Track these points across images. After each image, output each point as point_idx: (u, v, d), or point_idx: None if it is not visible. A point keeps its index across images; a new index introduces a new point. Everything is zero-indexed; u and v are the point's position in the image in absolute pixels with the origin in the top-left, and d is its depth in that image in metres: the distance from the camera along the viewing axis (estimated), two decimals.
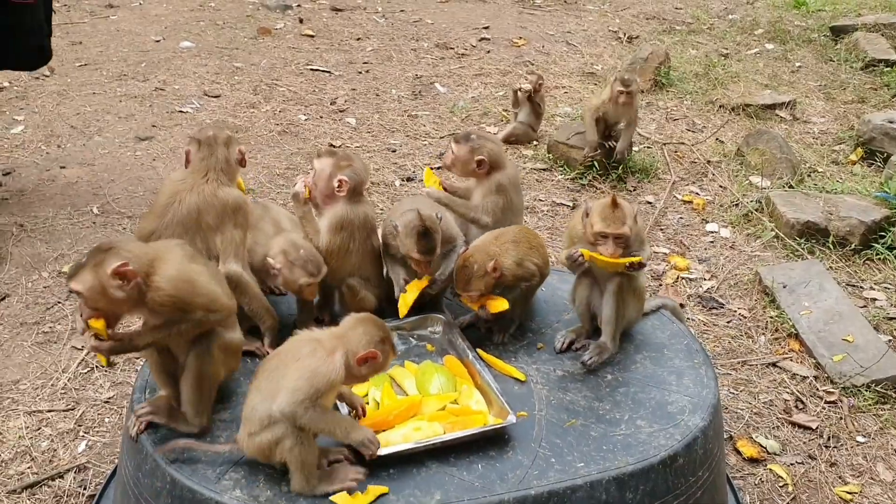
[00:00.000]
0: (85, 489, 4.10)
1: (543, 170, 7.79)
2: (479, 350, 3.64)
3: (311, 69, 9.47)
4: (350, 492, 2.85)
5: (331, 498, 2.85)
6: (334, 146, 7.71)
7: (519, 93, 8.13)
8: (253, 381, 2.90)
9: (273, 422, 2.77)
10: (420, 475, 3.04)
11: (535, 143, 8.28)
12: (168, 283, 2.89)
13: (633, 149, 7.64)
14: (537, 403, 3.44)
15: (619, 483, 3.10)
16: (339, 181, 3.65)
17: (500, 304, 3.63)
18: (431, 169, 4.34)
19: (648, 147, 8.19)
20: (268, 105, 8.58)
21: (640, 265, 3.55)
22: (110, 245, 2.87)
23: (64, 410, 4.52)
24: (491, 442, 3.17)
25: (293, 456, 2.81)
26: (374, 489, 2.89)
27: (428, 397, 3.31)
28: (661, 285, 6.09)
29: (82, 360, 4.82)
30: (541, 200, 7.18)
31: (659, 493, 3.16)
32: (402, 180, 7.32)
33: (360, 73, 9.57)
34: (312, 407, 2.77)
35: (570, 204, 7.13)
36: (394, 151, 7.97)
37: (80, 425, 4.44)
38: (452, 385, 3.38)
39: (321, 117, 8.56)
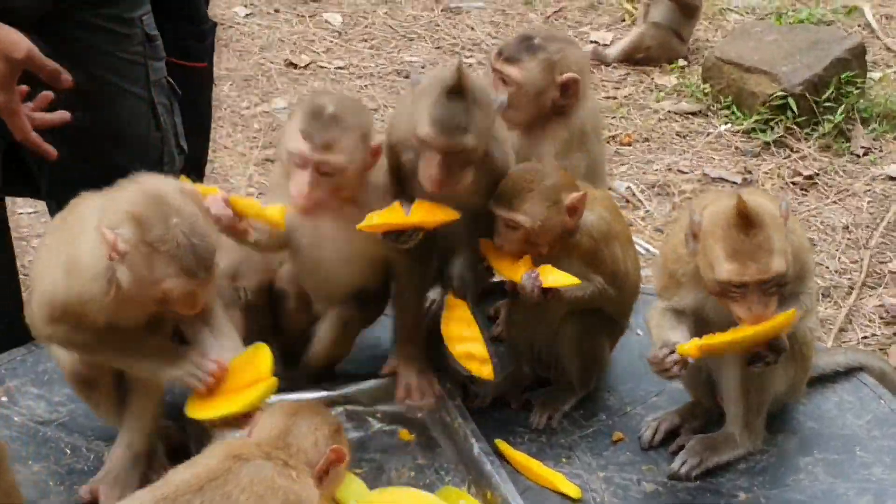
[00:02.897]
0: None
1: (692, 114, 6.79)
2: (499, 442, 3.10)
3: None
4: None
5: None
6: (297, 65, 6.88)
7: None
8: None
9: None
10: None
11: (679, 62, 7.15)
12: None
13: (874, 74, 6.77)
14: None
15: None
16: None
17: (562, 277, 3.07)
18: None
19: None
20: None
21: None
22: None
23: None
24: None
25: None
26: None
27: None
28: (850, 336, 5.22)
29: None
30: (682, 172, 6.16)
31: None
32: None
33: None
34: None
35: (738, 179, 6.19)
36: (408, 77, 6.71)
37: None
38: None
39: (276, 11, 7.38)
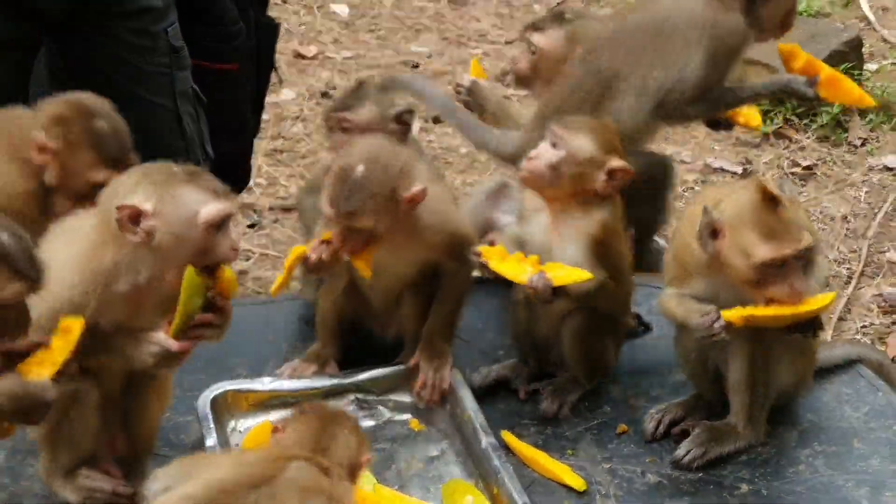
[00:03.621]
0: None
1: None
2: (506, 433, 3.13)
3: None
4: None
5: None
6: (304, 56, 6.87)
7: None
8: None
9: None
10: None
11: None
12: None
13: (870, 65, 6.80)
14: None
15: None
16: None
17: (570, 273, 3.04)
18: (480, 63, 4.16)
19: None
20: None
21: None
22: None
23: None
24: None
25: None
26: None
27: None
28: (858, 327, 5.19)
29: None
30: (684, 162, 6.18)
31: None
32: (426, 120, 6.42)
33: None
34: None
35: (739, 169, 6.23)
36: (416, 68, 6.84)
37: None
38: None
39: (284, 2, 7.42)
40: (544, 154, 3.17)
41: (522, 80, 3.86)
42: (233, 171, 4.74)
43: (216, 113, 4.42)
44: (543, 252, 3.15)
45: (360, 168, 2.99)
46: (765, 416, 3.19)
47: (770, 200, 2.83)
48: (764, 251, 2.82)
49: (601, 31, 3.77)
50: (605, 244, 3.15)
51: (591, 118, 3.28)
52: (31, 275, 2.55)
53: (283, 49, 6.70)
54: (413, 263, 3.22)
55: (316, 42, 7.08)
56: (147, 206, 2.59)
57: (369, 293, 3.31)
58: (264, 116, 6.16)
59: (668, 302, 3.08)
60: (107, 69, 3.80)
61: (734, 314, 2.87)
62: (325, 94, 6.13)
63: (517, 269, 3.09)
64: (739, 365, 3.11)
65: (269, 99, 6.44)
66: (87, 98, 3.28)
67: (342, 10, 7.44)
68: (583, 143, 3.08)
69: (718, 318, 2.88)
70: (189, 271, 2.70)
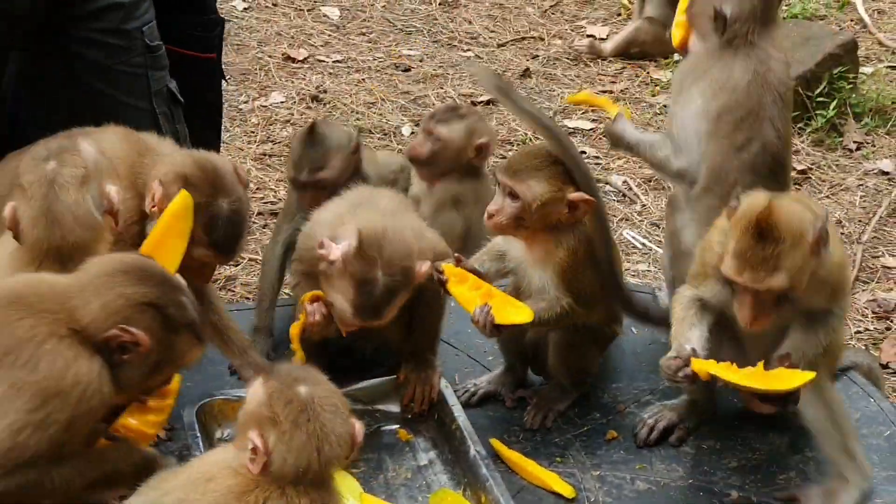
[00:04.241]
0: None
1: None
2: (494, 441, 3.13)
3: None
4: None
5: None
6: (294, 59, 6.84)
7: None
8: None
9: None
10: None
11: (675, 57, 6.90)
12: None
13: (866, 69, 6.73)
14: None
15: None
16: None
17: (515, 313, 3.06)
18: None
19: (894, 66, 7.08)
20: None
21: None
22: None
23: None
24: None
25: None
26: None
27: None
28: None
29: None
30: None
31: None
32: (417, 124, 6.13)
33: None
34: None
35: None
36: (407, 71, 6.75)
37: None
38: None
39: (274, 4, 7.40)
40: (504, 208, 3.21)
41: (418, 163, 4.00)
42: None
43: (196, 103, 4.37)
44: (519, 269, 3.20)
45: (380, 275, 3.01)
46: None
47: (760, 231, 2.84)
48: (726, 265, 2.87)
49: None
50: (572, 269, 3.17)
51: (536, 159, 3.28)
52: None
53: (273, 52, 6.81)
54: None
55: (306, 45, 7.09)
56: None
57: None
58: (253, 120, 6.21)
59: (676, 304, 3.09)
60: (80, 72, 3.78)
61: (704, 368, 2.87)
62: (314, 98, 6.11)
63: (469, 297, 3.12)
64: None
65: (259, 102, 6.41)
66: (220, 170, 3.23)
67: (333, 12, 7.47)
68: (535, 188, 3.10)
69: (686, 366, 2.89)
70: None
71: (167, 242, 3.07)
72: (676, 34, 3.52)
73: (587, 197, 3.17)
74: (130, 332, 2.54)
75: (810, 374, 2.88)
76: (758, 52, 3.42)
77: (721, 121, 3.40)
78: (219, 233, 3.13)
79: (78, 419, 2.45)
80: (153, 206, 3.09)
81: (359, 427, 2.44)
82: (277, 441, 2.34)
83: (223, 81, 4.95)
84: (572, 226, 3.25)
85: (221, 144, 5.10)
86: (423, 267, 3.07)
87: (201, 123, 4.63)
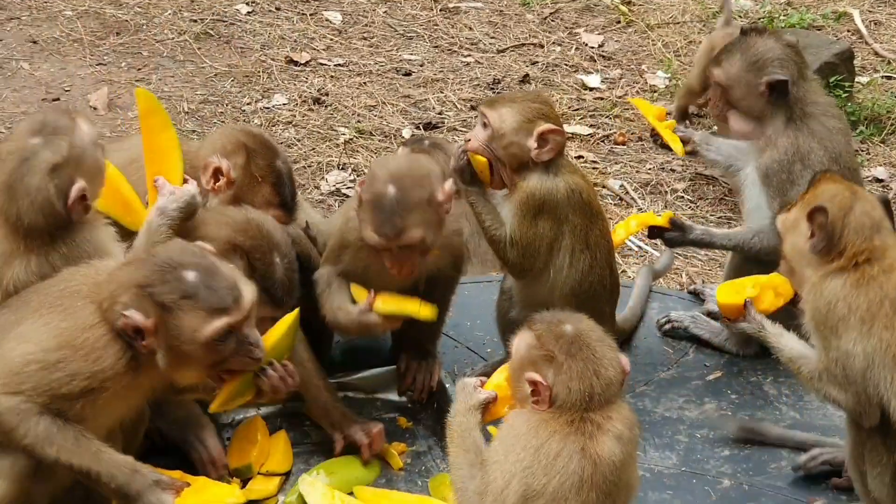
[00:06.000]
0: None
1: None
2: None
3: None
4: None
5: None
6: (297, 62, 6.78)
7: None
8: None
9: None
10: None
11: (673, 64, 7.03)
12: None
13: (861, 78, 6.72)
14: None
15: None
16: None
17: (394, 304, 3.08)
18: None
19: (890, 76, 7.01)
20: None
21: None
22: None
23: None
24: None
25: None
26: None
27: None
28: None
29: None
30: (674, 171, 6.05)
31: None
32: (418, 127, 6.19)
33: None
34: None
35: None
36: (408, 75, 6.74)
37: None
38: None
39: (277, 8, 7.29)
40: (477, 135, 3.20)
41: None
42: None
43: None
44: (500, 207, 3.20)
45: (392, 188, 2.99)
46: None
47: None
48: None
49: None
50: (525, 206, 3.14)
51: (517, 95, 3.29)
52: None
53: (276, 55, 6.80)
54: (422, 273, 3.16)
55: (309, 49, 7.06)
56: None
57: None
58: (256, 122, 6.20)
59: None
60: None
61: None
62: (316, 101, 6.02)
63: (359, 293, 3.13)
64: None
65: (261, 104, 6.41)
66: (265, 134, 3.34)
67: (335, 17, 7.42)
68: (505, 115, 3.11)
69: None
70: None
71: (157, 141, 3.09)
72: None
73: (554, 127, 3.16)
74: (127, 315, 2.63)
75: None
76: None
77: None
78: (286, 189, 3.17)
79: (83, 379, 2.57)
80: (216, 183, 3.09)
81: (623, 357, 2.55)
82: (556, 374, 2.45)
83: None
84: (545, 167, 3.20)
85: None
86: (447, 185, 3.03)
87: None
